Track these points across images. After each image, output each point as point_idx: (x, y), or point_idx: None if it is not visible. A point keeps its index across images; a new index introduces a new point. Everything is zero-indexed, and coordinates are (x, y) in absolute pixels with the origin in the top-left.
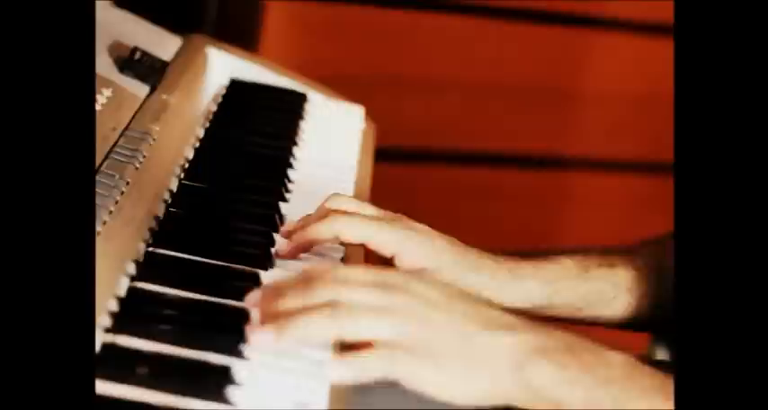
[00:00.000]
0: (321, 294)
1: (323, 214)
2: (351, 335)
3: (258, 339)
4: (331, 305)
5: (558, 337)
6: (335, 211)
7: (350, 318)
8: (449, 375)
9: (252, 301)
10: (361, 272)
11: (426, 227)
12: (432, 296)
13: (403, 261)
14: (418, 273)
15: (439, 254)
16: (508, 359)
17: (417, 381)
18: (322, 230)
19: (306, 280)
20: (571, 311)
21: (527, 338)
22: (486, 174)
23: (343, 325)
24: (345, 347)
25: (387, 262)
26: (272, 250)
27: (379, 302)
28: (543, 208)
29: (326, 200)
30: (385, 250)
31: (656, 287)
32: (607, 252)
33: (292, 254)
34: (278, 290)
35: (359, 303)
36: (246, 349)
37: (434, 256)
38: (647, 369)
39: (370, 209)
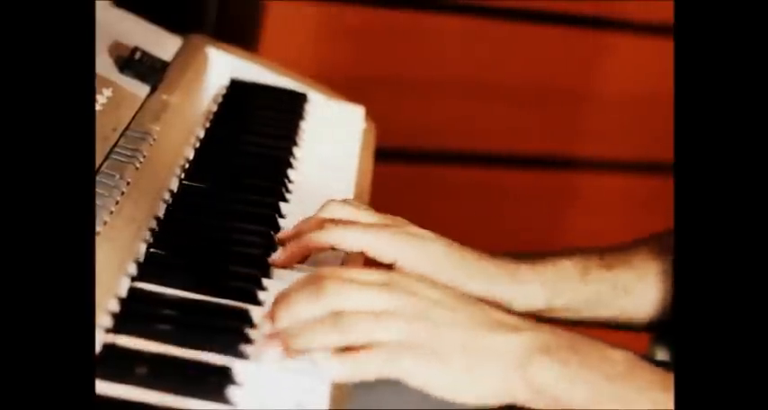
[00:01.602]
0: (327, 302)
1: (319, 224)
2: (356, 341)
3: (267, 355)
4: (336, 315)
5: (560, 335)
6: (331, 221)
7: (355, 326)
8: (454, 374)
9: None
10: (365, 275)
11: (424, 232)
12: (436, 297)
13: (401, 269)
14: (421, 276)
15: (437, 260)
16: (513, 357)
17: (422, 380)
18: (318, 240)
19: (313, 285)
20: (570, 313)
21: (531, 337)
22: (487, 175)
23: (348, 333)
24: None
25: (386, 267)
26: (272, 255)
27: (383, 305)
28: (546, 209)
29: (321, 209)
30: (383, 258)
31: (654, 288)
32: (605, 253)
33: (288, 263)
34: (286, 298)
35: (363, 308)
36: (247, 350)
37: (432, 263)
38: (647, 365)
39: (367, 215)
